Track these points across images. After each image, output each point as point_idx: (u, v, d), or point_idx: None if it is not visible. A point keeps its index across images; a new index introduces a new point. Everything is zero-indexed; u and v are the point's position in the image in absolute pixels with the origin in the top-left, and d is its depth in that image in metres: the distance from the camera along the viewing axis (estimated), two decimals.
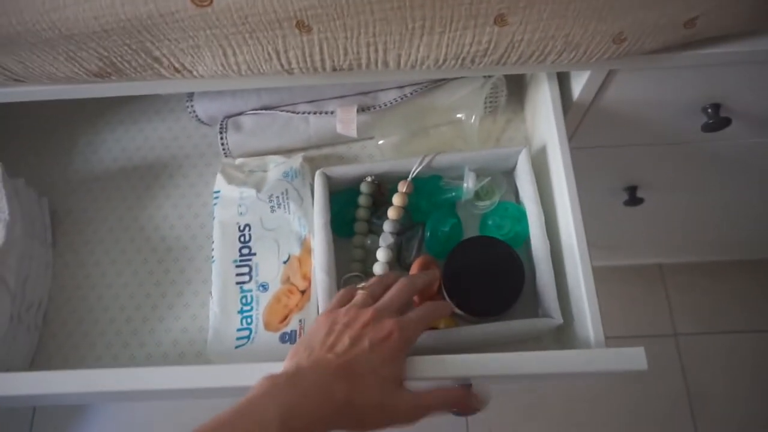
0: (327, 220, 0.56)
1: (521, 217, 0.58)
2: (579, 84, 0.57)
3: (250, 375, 0.42)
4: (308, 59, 0.47)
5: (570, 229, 0.52)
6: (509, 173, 0.62)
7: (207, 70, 0.49)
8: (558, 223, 0.55)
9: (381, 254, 0.55)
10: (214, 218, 0.61)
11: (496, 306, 0.52)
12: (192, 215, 0.65)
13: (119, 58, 0.47)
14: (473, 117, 0.62)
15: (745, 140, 0.69)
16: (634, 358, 0.45)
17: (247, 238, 0.60)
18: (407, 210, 0.58)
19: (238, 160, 0.65)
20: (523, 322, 0.51)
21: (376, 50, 0.47)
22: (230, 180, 0.62)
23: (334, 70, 0.48)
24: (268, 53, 0.47)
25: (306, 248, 0.59)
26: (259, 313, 0.57)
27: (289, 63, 0.48)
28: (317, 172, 0.58)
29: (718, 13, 0.47)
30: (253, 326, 0.57)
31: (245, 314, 0.57)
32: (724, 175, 0.79)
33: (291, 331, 0.56)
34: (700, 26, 0.48)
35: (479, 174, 0.58)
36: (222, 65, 0.48)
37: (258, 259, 0.59)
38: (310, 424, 0.38)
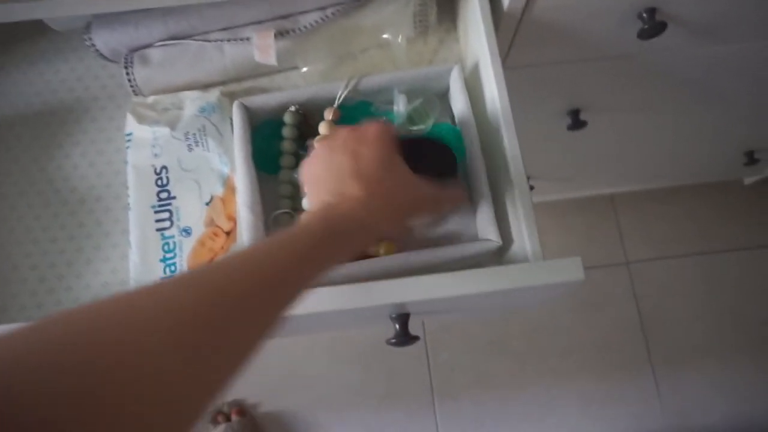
0: (248, 153, 0.52)
1: (457, 138, 0.55)
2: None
3: None
4: None
5: (504, 146, 0.49)
6: (443, 96, 0.59)
7: None
8: (494, 143, 0.52)
9: None
10: (127, 163, 0.56)
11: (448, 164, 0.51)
12: (104, 162, 0.60)
13: None
14: (400, 36, 0.57)
15: (685, 51, 0.67)
16: (570, 268, 0.44)
17: (164, 181, 0.56)
18: None
19: (150, 98, 0.59)
20: (463, 246, 0.49)
21: None
22: (141, 120, 0.57)
23: None
24: None
25: (229, 187, 0.55)
26: (182, 260, 0.53)
27: None
28: (234, 103, 0.53)
29: None
30: (177, 274, 0.53)
31: (168, 262, 0.53)
32: (666, 92, 0.78)
33: None
34: None
35: (412, 97, 0.55)
36: None
37: (178, 202, 0.55)
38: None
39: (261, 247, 0.35)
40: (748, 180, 1.32)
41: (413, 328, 0.51)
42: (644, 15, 0.58)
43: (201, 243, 0.54)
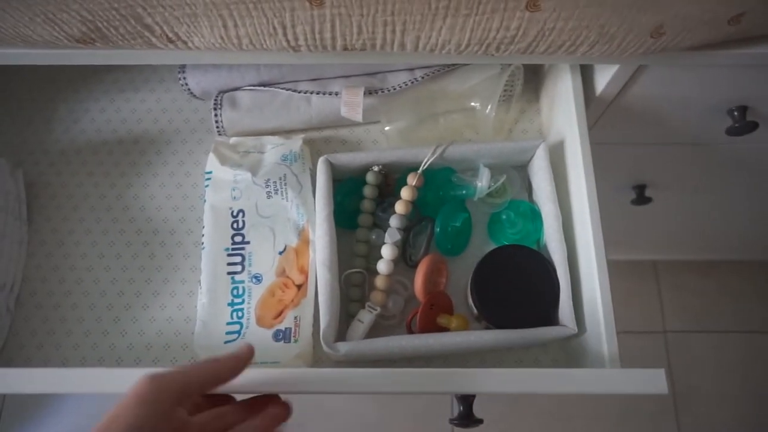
0: (330, 211, 0.52)
1: (534, 216, 0.55)
2: (604, 78, 0.53)
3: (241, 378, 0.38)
4: (317, 36, 0.43)
5: (588, 233, 0.49)
6: (522, 167, 0.58)
7: (204, 42, 0.44)
8: (573, 224, 0.52)
9: (386, 251, 0.52)
10: (204, 201, 0.57)
11: (530, 320, 0.49)
12: (181, 196, 0.61)
13: (105, 24, 0.42)
14: (488, 107, 0.57)
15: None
16: (653, 380, 0.43)
17: (240, 224, 0.56)
18: (414, 203, 0.54)
19: (233, 139, 0.60)
20: (537, 330, 0.48)
21: (394, 30, 0.42)
22: (223, 161, 0.58)
23: (345, 49, 0.44)
24: (274, 27, 0.42)
25: (304, 239, 0.55)
26: (251, 307, 0.53)
27: (296, 39, 0.43)
28: (321, 159, 0.54)
29: (766, 11, 0.43)
30: (244, 320, 0.53)
31: (236, 307, 0.54)
32: (739, 177, 0.77)
33: (285, 328, 0.52)
34: (744, 24, 0.44)
35: (491, 167, 0.55)
36: (221, 37, 0.43)
37: (252, 248, 0.55)
38: None
39: None
40: None
41: None
42: (735, 113, 0.57)
43: (271, 293, 0.54)
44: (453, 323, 0.51)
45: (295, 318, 0.52)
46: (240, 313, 0.53)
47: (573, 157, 0.52)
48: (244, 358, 0.38)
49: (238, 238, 0.56)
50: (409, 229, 0.55)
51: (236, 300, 0.54)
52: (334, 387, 0.42)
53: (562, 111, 0.55)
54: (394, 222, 0.52)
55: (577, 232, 0.51)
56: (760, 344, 1.25)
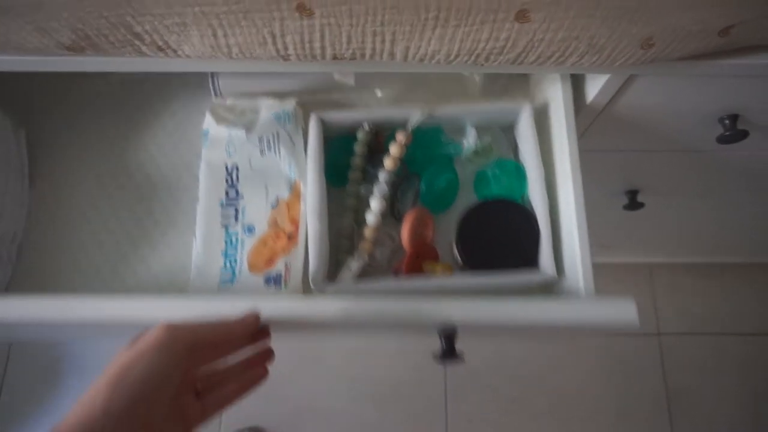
0: (321, 165, 0.54)
1: (519, 174, 0.56)
2: (595, 86, 0.53)
3: (234, 308, 0.42)
4: (307, 45, 0.43)
5: (568, 186, 0.51)
6: (509, 129, 0.59)
7: (194, 50, 0.44)
8: (556, 182, 0.53)
9: (375, 204, 0.53)
10: (201, 159, 0.58)
11: (511, 267, 0.51)
12: (178, 155, 0.62)
13: (95, 32, 0.42)
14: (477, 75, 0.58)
15: (762, 152, 0.66)
16: (623, 309, 0.45)
17: (234, 179, 0.58)
18: (403, 160, 0.55)
19: (229, 101, 0.61)
20: (517, 274, 0.51)
21: (383, 41, 0.42)
22: (219, 120, 0.59)
23: (335, 58, 0.44)
24: (263, 37, 0.42)
25: (295, 193, 0.57)
26: (243, 255, 0.55)
27: (286, 48, 0.43)
28: (312, 116, 0.55)
29: (756, 23, 0.43)
30: (237, 267, 0.55)
31: (229, 255, 0.55)
32: (731, 183, 0.77)
33: (276, 273, 0.54)
34: (734, 35, 0.44)
35: (479, 128, 0.56)
36: (211, 47, 0.43)
37: (245, 201, 0.57)
38: None
39: None
40: None
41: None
42: (726, 121, 0.57)
43: (263, 242, 0.55)
44: (438, 270, 0.52)
45: (286, 264, 0.54)
46: (233, 261, 0.55)
47: (557, 120, 0.53)
48: (250, 323, 0.41)
49: (232, 193, 0.57)
50: (397, 184, 0.56)
51: (230, 249, 0.55)
52: (322, 317, 0.45)
53: (552, 118, 0.55)
54: (382, 177, 0.54)
55: (559, 187, 0.53)
56: (754, 346, 1.25)
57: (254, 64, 0.46)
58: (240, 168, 0.58)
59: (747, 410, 1.21)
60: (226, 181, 0.57)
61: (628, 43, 0.43)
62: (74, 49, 0.44)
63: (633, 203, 0.79)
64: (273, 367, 0.44)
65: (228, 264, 0.55)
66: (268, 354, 0.44)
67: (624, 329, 0.46)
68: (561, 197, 0.53)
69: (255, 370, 0.43)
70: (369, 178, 0.56)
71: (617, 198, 0.81)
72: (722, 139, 0.58)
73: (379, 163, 0.55)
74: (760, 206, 0.88)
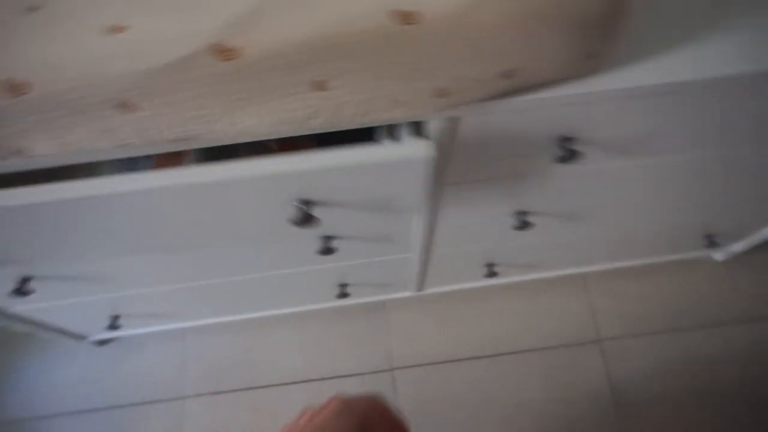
0: None
1: None
2: (432, 128, 0.59)
3: None
4: (143, 134, 0.48)
5: None
6: None
7: (47, 150, 0.49)
8: None
9: None
10: None
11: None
12: None
13: None
14: None
15: (608, 165, 0.72)
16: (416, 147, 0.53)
17: None
18: None
19: None
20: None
21: (203, 123, 0.48)
22: None
23: (171, 141, 0.49)
24: (101, 131, 0.48)
25: None
26: None
27: (125, 139, 0.49)
28: None
29: (535, 64, 0.50)
30: None
31: None
32: (602, 194, 0.83)
33: None
34: (520, 77, 0.51)
35: None
36: (59, 145, 0.49)
37: None
38: None
39: None
40: (718, 256, 1.35)
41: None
42: (562, 143, 0.63)
43: None
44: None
45: None
46: None
47: None
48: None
49: None
50: None
51: None
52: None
53: None
54: None
55: None
56: (691, 341, 1.29)
57: (103, 154, 0.51)
58: None
59: (692, 404, 1.24)
60: None
61: (425, 95, 0.49)
62: None
63: (522, 224, 0.84)
64: None
65: None
66: None
67: (414, 164, 0.54)
68: None
69: None
70: None
71: (509, 220, 0.86)
72: (559, 160, 0.64)
73: None
74: (648, 215, 0.94)
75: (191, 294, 1.04)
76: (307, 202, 0.58)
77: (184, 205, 0.56)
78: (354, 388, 1.25)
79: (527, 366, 1.27)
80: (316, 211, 0.59)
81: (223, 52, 0.43)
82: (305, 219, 0.57)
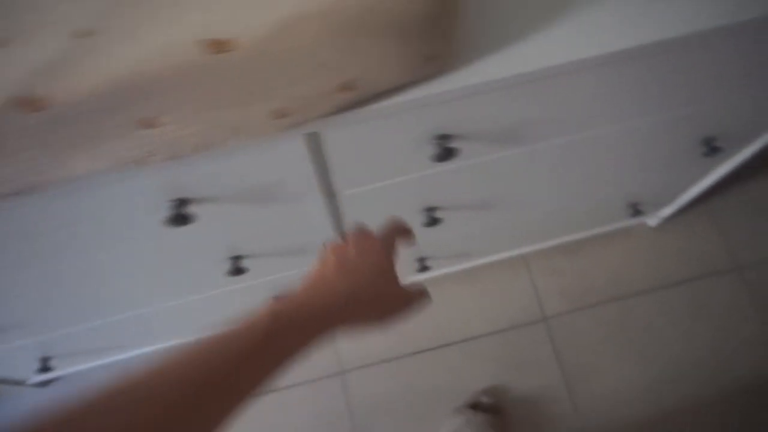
0: None
1: None
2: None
3: None
4: None
5: None
6: None
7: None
8: None
9: None
10: None
11: None
12: None
13: None
14: None
15: (494, 155, 0.72)
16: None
17: None
18: None
19: None
20: None
21: (43, 172, 0.47)
22: None
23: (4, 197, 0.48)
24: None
25: None
26: None
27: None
28: None
29: (372, 74, 0.49)
30: None
31: None
32: (505, 182, 0.83)
33: None
34: (362, 87, 0.50)
35: None
36: None
37: None
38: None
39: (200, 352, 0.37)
40: (652, 222, 1.37)
41: None
42: (437, 142, 0.63)
43: None
44: None
45: None
46: None
47: None
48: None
49: None
50: None
51: None
52: None
53: None
54: None
55: None
56: (634, 308, 1.31)
57: None
58: None
59: (641, 371, 1.26)
60: None
61: (262, 118, 0.49)
62: None
63: (431, 220, 0.84)
64: None
65: None
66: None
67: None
68: None
69: None
70: None
71: (418, 216, 0.86)
72: (435, 158, 0.64)
73: None
74: (557, 192, 0.95)
75: (124, 324, 1.03)
76: None
77: None
78: (305, 394, 1.25)
79: (477, 351, 1.28)
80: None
81: (30, 103, 0.42)
82: None
